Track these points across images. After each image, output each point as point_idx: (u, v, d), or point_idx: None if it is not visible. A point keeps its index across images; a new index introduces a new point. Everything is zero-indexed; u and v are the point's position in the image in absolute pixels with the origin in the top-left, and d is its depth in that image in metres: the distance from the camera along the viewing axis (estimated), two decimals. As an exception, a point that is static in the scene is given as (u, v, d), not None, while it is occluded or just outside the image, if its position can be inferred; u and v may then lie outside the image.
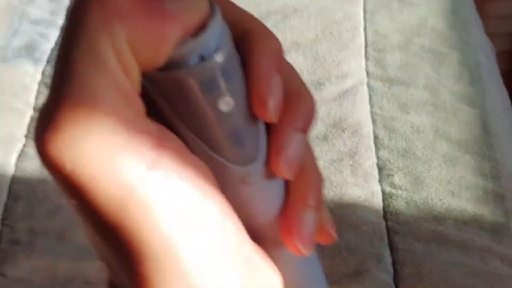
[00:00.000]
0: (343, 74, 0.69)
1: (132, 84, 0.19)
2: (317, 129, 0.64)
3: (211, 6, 0.21)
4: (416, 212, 0.58)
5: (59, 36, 0.75)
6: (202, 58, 0.21)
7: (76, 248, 0.57)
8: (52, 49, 0.73)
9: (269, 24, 0.74)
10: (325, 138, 0.63)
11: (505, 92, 0.75)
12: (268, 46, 0.23)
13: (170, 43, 0.19)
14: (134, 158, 0.18)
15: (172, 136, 0.21)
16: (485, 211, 0.59)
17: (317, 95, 0.67)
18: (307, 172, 0.25)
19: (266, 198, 0.25)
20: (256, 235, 0.24)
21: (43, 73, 0.71)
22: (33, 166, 0.63)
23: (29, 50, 0.73)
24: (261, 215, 0.25)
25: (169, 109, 0.22)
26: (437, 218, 0.58)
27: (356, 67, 0.69)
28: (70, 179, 0.18)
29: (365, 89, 0.68)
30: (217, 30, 0.21)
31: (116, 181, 0.18)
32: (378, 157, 0.62)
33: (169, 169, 0.19)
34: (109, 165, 0.18)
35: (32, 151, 0.64)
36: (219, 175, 0.23)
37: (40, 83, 0.70)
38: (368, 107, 0.66)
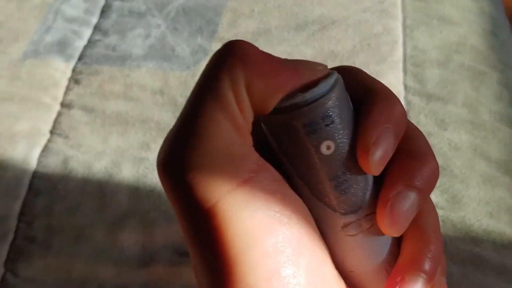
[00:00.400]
0: (378, 88, 0.67)
1: (245, 120, 0.23)
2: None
3: (330, 71, 0.24)
4: (453, 232, 0.55)
5: (92, 34, 0.74)
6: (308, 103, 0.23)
7: (93, 249, 0.55)
8: (85, 47, 0.73)
9: (306, 34, 0.73)
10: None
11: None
12: (387, 105, 0.24)
13: (281, 93, 0.23)
14: (229, 176, 0.21)
15: (271, 168, 0.23)
16: (525, 236, 0.56)
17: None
18: (426, 237, 0.24)
19: (368, 252, 0.24)
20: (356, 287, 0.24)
21: (73, 70, 0.70)
22: (56, 162, 0.62)
23: (61, 46, 0.72)
24: (360, 268, 0.24)
25: (279, 151, 0.24)
26: (475, 239, 0.55)
27: (394, 81, 0.67)
28: (180, 181, 0.21)
29: (402, 103, 0.65)
30: (328, 86, 0.23)
31: (208, 190, 0.21)
32: (414, 172, 0.59)
33: (255, 191, 0.21)
34: (208, 175, 0.21)
35: (56, 146, 0.63)
36: (321, 221, 0.23)
37: (70, 79, 0.69)
38: (404, 122, 0.64)
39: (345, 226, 0.23)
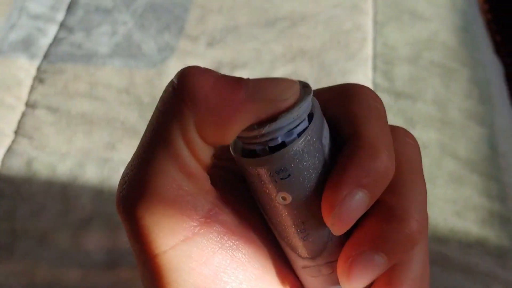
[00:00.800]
0: (348, 85, 0.67)
1: (198, 163, 0.22)
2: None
3: (305, 93, 0.21)
4: (419, 231, 0.55)
5: (57, 31, 0.73)
6: (271, 149, 0.21)
7: (57, 252, 0.54)
8: (50, 45, 0.71)
9: (275, 30, 0.72)
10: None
11: (513, 112, 0.73)
12: (368, 160, 0.21)
13: (236, 131, 0.21)
14: (175, 227, 0.21)
15: (223, 216, 0.22)
16: (490, 234, 0.56)
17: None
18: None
19: None
20: None
21: (38, 68, 0.69)
22: (20, 163, 0.61)
23: (25, 45, 0.71)
24: None
25: (249, 186, 0.23)
26: (441, 239, 0.55)
27: (363, 78, 0.67)
28: (133, 226, 0.21)
29: (370, 101, 0.65)
30: (289, 121, 0.21)
31: (154, 244, 0.21)
32: (381, 172, 0.59)
33: (199, 246, 0.21)
34: (156, 225, 0.21)
35: (20, 147, 0.62)
36: (288, 256, 0.23)
37: (34, 79, 0.68)
38: (373, 120, 0.63)
39: (304, 267, 0.23)
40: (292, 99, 0.21)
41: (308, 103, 0.21)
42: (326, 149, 0.22)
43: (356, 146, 0.21)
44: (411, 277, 0.22)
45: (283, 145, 0.21)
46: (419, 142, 0.66)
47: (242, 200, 0.23)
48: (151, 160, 0.21)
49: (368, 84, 0.67)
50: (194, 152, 0.21)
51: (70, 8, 0.75)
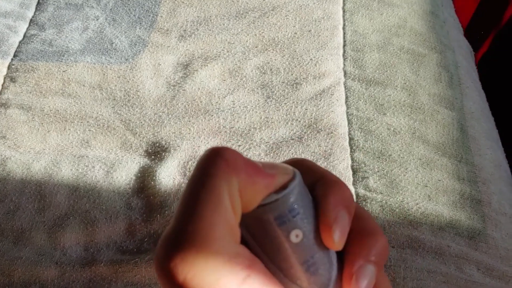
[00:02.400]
0: (320, 74, 0.67)
1: (236, 219, 0.26)
2: (292, 129, 0.62)
3: (294, 172, 0.28)
4: (391, 216, 0.56)
5: (28, 28, 0.72)
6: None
7: (34, 251, 0.55)
8: (20, 42, 0.71)
9: (246, 21, 0.73)
10: (300, 139, 0.61)
11: (483, 95, 0.74)
12: (338, 190, 0.28)
13: (265, 193, 0.26)
14: (229, 276, 0.23)
15: (259, 261, 0.26)
16: (462, 216, 0.57)
17: (293, 95, 0.65)
18: None
19: None
20: None
21: (9, 67, 0.68)
22: (-4, 163, 0.60)
23: (-5, 43, 0.70)
24: None
25: (253, 242, 0.27)
26: (413, 223, 0.56)
27: (333, 67, 0.67)
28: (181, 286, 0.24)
29: (342, 89, 0.66)
30: (294, 189, 0.27)
31: None
32: (353, 159, 0.60)
33: (255, 286, 0.24)
34: (211, 279, 0.23)
35: (-6, 147, 0.61)
36: None
37: (5, 77, 0.68)
38: (344, 108, 0.64)
39: None
40: (292, 169, 0.28)
41: (298, 177, 0.28)
42: (307, 191, 0.28)
43: (325, 184, 0.28)
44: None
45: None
46: (390, 129, 0.67)
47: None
48: (201, 212, 0.24)
49: (339, 73, 0.67)
50: (234, 211, 0.25)
51: (39, 5, 0.75)
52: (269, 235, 0.26)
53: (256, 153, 0.60)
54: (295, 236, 0.26)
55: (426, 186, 0.59)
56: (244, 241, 0.27)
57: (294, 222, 0.26)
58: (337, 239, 0.27)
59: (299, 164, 0.30)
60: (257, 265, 0.25)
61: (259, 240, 0.27)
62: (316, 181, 0.29)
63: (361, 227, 0.28)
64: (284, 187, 0.27)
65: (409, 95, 0.66)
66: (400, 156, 0.60)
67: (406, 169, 0.60)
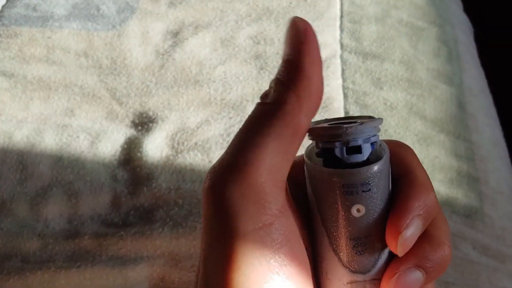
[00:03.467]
0: (315, 46, 0.65)
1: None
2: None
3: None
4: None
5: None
6: (349, 150, 0.25)
7: (16, 223, 0.52)
8: (3, 7, 0.68)
9: (239, -11, 0.70)
10: (293, 112, 0.59)
11: (482, 72, 0.72)
12: (422, 194, 0.26)
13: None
14: (256, 215, 0.24)
15: (290, 216, 0.25)
16: (459, 194, 0.56)
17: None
18: None
19: None
20: None
21: (-10, 32, 0.66)
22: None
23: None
24: None
25: (312, 196, 0.26)
26: (408, 200, 0.54)
27: (330, 39, 0.65)
28: (219, 207, 0.24)
29: (338, 62, 0.64)
30: (370, 128, 0.25)
31: (236, 225, 0.24)
32: (348, 133, 0.58)
33: (266, 240, 0.24)
34: (240, 210, 0.24)
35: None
36: (330, 271, 0.26)
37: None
38: (340, 81, 0.62)
39: (350, 283, 0.26)
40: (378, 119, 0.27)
41: (381, 121, 0.26)
42: (390, 177, 0.26)
43: (412, 183, 0.26)
44: None
45: (359, 149, 0.25)
46: (387, 103, 0.65)
47: (297, 210, 0.26)
48: (250, 148, 0.24)
49: (336, 45, 0.65)
50: (276, 186, 0.25)
51: (24, -32, 0.72)
52: (329, 198, 0.25)
53: (247, 126, 0.58)
54: (357, 210, 0.25)
55: (423, 163, 0.57)
56: (297, 189, 0.27)
57: (361, 197, 0.25)
58: (401, 246, 0.25)
59: (395, 145, 0.28)
60: (284, 219, 0.25)
61: (318, 197, 0.26)
62: (404, 174, 0.27)
63: (431, 232, 0.26)
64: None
65: (407, 69, 0.64)
66: (397, 131, 0.58)
67: (403, 144, 0.58)
